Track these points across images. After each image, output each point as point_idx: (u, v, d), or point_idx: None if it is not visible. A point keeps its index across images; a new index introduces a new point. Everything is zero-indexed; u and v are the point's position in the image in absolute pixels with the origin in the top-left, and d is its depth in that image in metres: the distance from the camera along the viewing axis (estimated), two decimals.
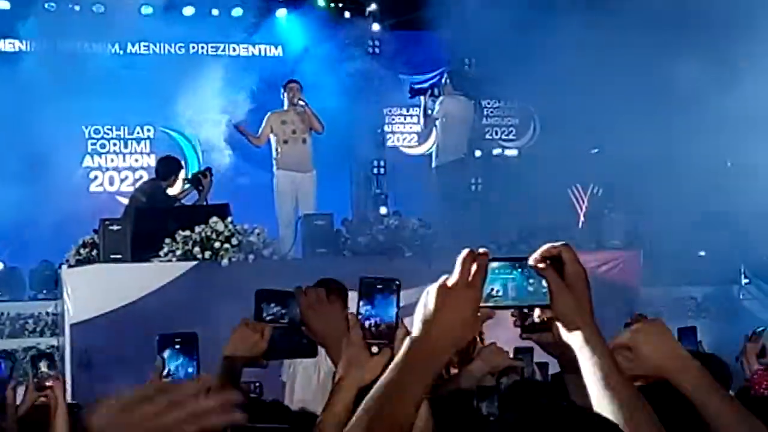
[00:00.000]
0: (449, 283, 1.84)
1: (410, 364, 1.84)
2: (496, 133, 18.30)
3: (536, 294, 1.88)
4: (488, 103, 18.09)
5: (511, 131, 18.52)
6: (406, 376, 1.83)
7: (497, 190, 16.59)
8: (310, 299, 2.82)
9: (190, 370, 2.55)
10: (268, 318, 2.93)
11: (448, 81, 11.78)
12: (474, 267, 1.84)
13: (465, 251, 1.87)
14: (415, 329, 1.86)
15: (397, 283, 2.19)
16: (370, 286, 2.17)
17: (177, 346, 2.51)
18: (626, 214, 11.98)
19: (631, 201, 15.62)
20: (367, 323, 2.16)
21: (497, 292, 1.88)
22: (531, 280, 1.89)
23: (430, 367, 1.85)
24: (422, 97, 11.89)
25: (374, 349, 2.15)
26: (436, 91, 11.73)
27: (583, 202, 17.35)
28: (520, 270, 1.89)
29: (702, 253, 15.48)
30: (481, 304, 1.85)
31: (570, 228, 10.32)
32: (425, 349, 1.84)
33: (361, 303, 2.17)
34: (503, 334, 2.26)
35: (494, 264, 1.88)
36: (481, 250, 1.87)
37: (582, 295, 1.87)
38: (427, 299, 1.85)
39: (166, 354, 2.60)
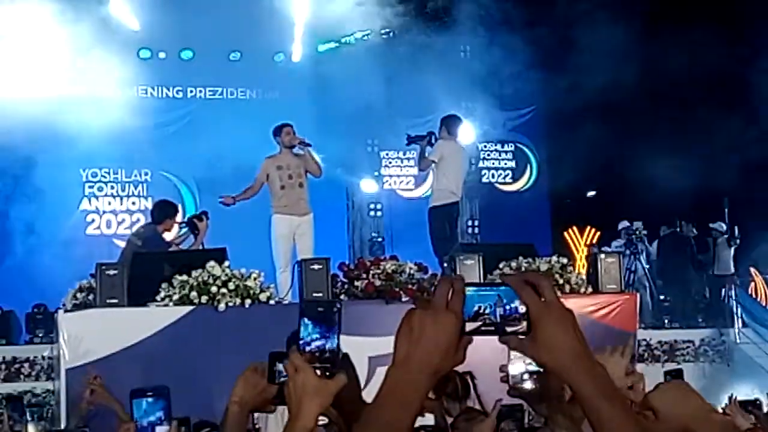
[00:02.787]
0: (428, 309, 1.84)
1: (392, 392, 1.82)
2: (493, 176, 18.38)
3: (518, 319, 1.87)
4: (485, 146, 18.20)
5: (508, 174, 18.60)
6: (390, 405, 1.82)
7: (494, 231, 16.70)
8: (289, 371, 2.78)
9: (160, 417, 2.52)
10: (281, 380, 2.90)
11: (442, 126, 11.86)
12: (451, 291, 1.84)
13: (440, 277, 1.88)
14: (395, 357, 1.84)
15: (338, 306, 2.15)
16: (311, 310, 2.14)
17: (150, 399, 2.49)
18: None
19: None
20: (308, 348, 2.11)
21: (485, 309, 1.87)
22: (511, 306, 1.87)
23: (412, 393, 1.82)
24: (419, 143, 11.94)
25: (318, 372, 2.10)
26: (433, 139, 11.79)
27: (580, 244, 17.44)
28: (498, 294, 1.88)
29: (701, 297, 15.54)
30: (468, 323, 1.84)
31: (565, 271, 10.28)
32: (406, 377, 1.82)
33: (302, 327, 2.12)
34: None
35: (472, 288, 1.87)
36: (455, 275, 1.87)
37: (560, 323, 1.84)
38: (407, 325, 1.84)
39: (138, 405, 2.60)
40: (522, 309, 1.85)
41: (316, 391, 2.09)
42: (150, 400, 2.62)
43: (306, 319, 2.09)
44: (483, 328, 1.86)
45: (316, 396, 2.09)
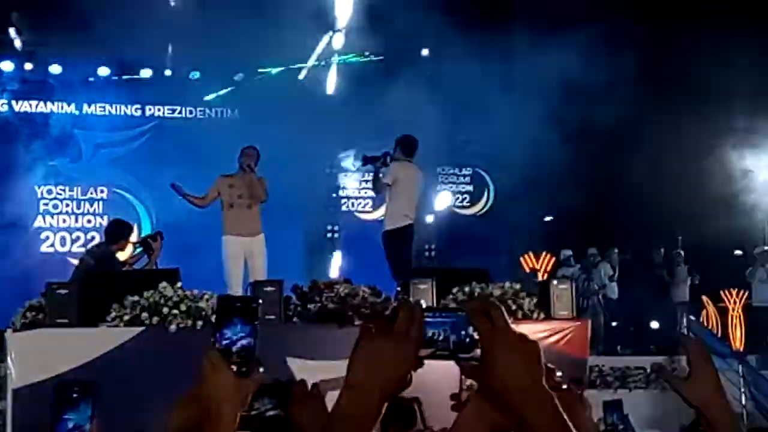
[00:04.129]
0: (389, 334, 1.85)
1: (346, 415, 1.83)
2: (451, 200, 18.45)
3: (471, 345, 1.88)
4: (443, 170, 18.29)
5: (466, 197, 18.69)
6: (343, 427, 1.83)
7: (449, 255, 16.77)
8: (297, 393, 2.75)
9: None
10: (254, 413, 2.82)
11: (398, 147, 11.81)
12: (411, 316, 1.85)
13: (400, 302, 1.89)
14: (349, 379, 1.84)
15: (255, 303, 2.08)
16: (227, 309, 2.07)
17: (75, 395, 2.26)
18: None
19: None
20: (225, 345, 2.02)
21: (438, 336, 1.88)
22: (465, 332, 1.88)
23: (366, 417, 1.83)
24: (375, 165, 11.90)
25: (235, 369, 2.01)
26: (388, 160, 11.72)
27: (536, 269, 17.53)
28: (455, 320, 1.89)
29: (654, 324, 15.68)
30: (422, 350, 1.86)
31: (518, 297, 10.32)
32: (361, 400, 1.83)
33: (219, 326, 2.04)
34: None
35: (429, 313, 1.89)
36: (417, 299, 1.88)
37: (511, 351, 1.85)
38: (366, 349, 1.85)
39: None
40: (476, 335, 1.86)
41: (236, 390, 2.02)
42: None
43: (221, 316, 2.03)
44: (438, 353, 1.88)
45: (236, 395, 2.02)
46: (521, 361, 1.83)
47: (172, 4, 15.11)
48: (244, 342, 2.00)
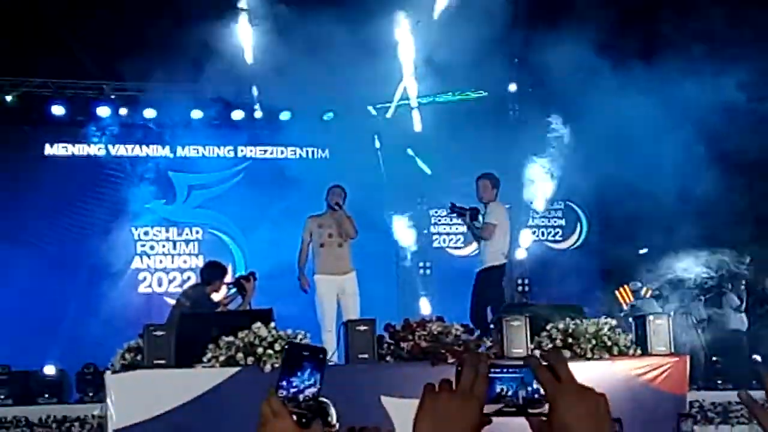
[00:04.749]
0: (450, 389, 1.83)
1: None
2: (543, 234, 18.31)
3: (541, 400, 1.86)
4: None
5: (558, 232, 18.52)
6: None
7: (543, 293, 16.59)
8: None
9: None
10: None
11: (493, 185, 11.75)
12: (476, 373, 1.83)
13: (466, 356, 1.87)
14: None
15: (323, 354, 2.06)
16: (295, 353, 2.05)
17: None
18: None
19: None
20: (289, 392, 2.00)
21: (506, 391, 1.86)
22: (533, 387, 1.86)
23: None
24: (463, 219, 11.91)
25: (295, 418, 1.99)
26: (479, 218, 11.69)
27: (629, 303, 17.22)
28: (522, 376, 1.87)
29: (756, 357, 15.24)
30: (489, 406, 1.84)
31: (614, 332, 10.14)
32: None
33: (285, 370, 2.02)
34: None
35: (497, 369, 1.87)
36: (482, 355, 1.87)
37: (576, 405, 1.82)
38: (431, 406, 1.84)
39: None
40: (542, 390, 1.84)
41: None
42: None
43: (289, 363, 2.02)
44: (505, 409, 1.86)
45: None
46: (588, 415, 1.80)
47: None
48: (309, 391, 1.99)
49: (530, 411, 1.85)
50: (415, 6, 15.09)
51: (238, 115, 16.85)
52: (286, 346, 2.07)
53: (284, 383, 1.98)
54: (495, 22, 13.73)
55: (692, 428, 9.68)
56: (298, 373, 1.99)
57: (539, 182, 16.30)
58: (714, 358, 14.28)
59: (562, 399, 1.81)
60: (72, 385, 12.53)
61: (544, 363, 1.84)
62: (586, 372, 9.18)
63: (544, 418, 1.83)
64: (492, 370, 1.86)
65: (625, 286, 17.52)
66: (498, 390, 1.86)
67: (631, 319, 12.02)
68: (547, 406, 1.83)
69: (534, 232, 18.04)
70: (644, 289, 16.01)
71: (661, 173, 14.66)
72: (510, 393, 1.86)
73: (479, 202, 11.80)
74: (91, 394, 12.07)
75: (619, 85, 14.09)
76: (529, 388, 1.86)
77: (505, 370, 1.88)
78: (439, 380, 1.86)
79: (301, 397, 1.98)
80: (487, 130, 15.87)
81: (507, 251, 11.81)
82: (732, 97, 13.98)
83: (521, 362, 1.88)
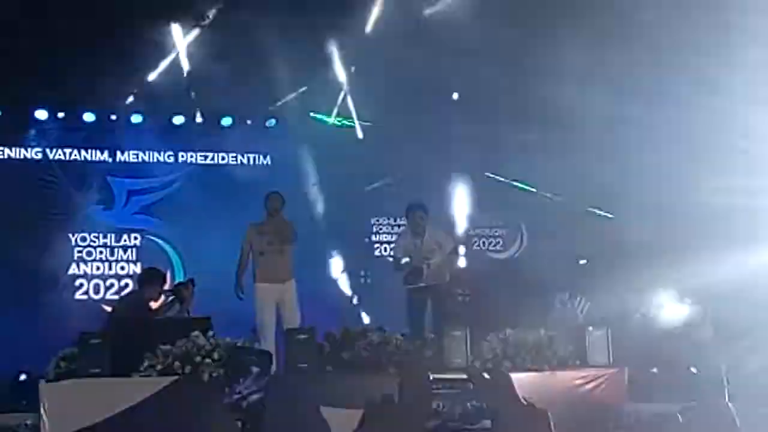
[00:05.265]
0: (392, 404, 1.81)
1: None
2: (483, 244, 18.38)
3: (478, 416, 1.84)
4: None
5: (499, 242, 18.60)
6: None
7: (483, 302, 16.62)
8: None
9: None
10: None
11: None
12: (418, 388, 1.81)
13: (407, 371, 1.84)
14: None
15: (269, 358, 2.02)
16: (240, 361, 2.00)
17: None
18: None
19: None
20: (234, 399, 1.96)
21: (443, 408, 1.85)
22: (471, 403, 1.85)
23: None
24: None
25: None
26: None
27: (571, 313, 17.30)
28: (460, 391, 1.85)
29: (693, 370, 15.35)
30: (429, 422, 1.82)
31: (554, 342, 10.18)
32: None
33: (230, 379, 1.97)
34: None
35: (435, 385, 1.85)
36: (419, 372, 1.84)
37: (524, 422, 1.80)
38: (368, 420, 1.81)
39: None
40: (483, 406, 1.83)
41: None
42: None
43: (234, 368, 1.97)
44: (448, 424, 1.84)
45: None
46: (533, 430, 1.80)
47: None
48: (254, 397, 1.95)
49: (469, 427, 1.84)
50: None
51: (178, 120, 16.72)
52: (231, 351, 2.02)
53: (229, 390, 1.94)
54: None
55: None
56: (241, 380, 1.95)
57: None
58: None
59: (506, 414, 1.80)
60: (5, 393, 12.29)
61: (487, 377, 1.83)
62: (526, 383, 9.19)
63: None
64: (434, 385, 1.84)
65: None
66: (435, 406, 1.84)
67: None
68: (486, 422, 1.82)
69: (474, 242, 18.13)
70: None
71: None
72: (447, 409, 1.85)
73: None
74: (24, 403, 11.84)
75: None
76: (468, 404, 1.84)
77: (444, 386, 1.86)
78: (381, 395, 1.83)
79: (244, 404, 1.95)
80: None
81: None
82: None
83: (463, 376, 1.85)
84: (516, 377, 8.89)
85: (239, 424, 1.77)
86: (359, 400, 8.55)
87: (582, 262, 18.08)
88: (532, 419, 1.64)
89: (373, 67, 15.31)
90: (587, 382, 9.89)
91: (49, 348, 9.99)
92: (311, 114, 17.15)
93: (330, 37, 15.37)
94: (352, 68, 15.96)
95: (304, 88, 16.15)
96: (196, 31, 14.58)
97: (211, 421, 8.34)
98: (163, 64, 14.77)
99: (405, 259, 11.95)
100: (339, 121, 17.18)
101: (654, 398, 13.49)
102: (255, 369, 1.79)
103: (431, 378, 1.70)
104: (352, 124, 17.17)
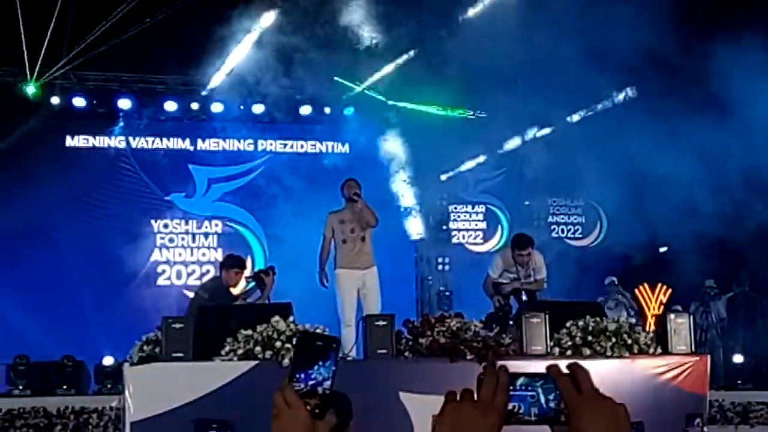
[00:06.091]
0: (471, 399, 1.81)
1: None
2: (563, 231, 18.23)
3: (558, 413, 1.83)
4: (554, 201, 18.09)
5: (578, 229, 18.43)
6: None
7: (561, 287, 16.50)
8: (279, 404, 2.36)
9: None
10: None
11: None
12: (496, 384, 1.80)
13: (486, 367, 1.83)
14: None
15: (336, 343, 2.02)
16: (308, 344, 2.01)
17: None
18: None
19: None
20: (302, 383, 1.97)
21: (518, 409, 1.83)
22: (552, 397, 1.83)
23: None
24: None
25: (308, 409, 1.96)
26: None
27: (651, 302, 17.13)
28: (542, 386, 1.84)
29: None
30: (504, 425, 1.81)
31: (634, 331, 10.04)
32: None
33: (297, 361, 1.98)
34: None
35: (516, 380, 1.84)
36: (502, 365, 1.82)
37: (597, 418, 1.79)
38: (452, 417, 1.81)
39: None
40: (562, 401, 1.81)
41: (306, 430, 1.94)
42: None
43: (303, 354, 1.98)
44: (525, 419, 1.83)
45: None
46: (608, 427, 1.77)
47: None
48: (325, 384, 1.96)
49: (551, 422, 1.83)
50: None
51: (258, 109, 16.85)
52: (297, 338, 2.03)
53: (300, 375, 1.95)
54: None
55: (702, 428, 9.58)
56: (312, 365, 1.96)
57: None
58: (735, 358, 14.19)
59: (583, 410, 1.78)
60: (90, 376, 12.55)
61: (566, 372, 1.82)
62: (606, 370, 9.12)
63: (563, 428, 1.81)
64: (515, 381, 1.83)
65: (645, 285, 17.44)
66: (514, 402, 1.82)
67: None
68: (564, 418, 1.81)
69: (554, 229, 18.00)
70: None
71: None
72: (527, 404, 1.83)
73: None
74: (109, 386, 12.10)
75: None
76: (547, 399, 1.83)
77: (519, 387, 1.84)
78: (461, 389, 1.83)
79: (316, 389, 1.95)
80: None
81: None
82: None
83: (542, 371, 1.84)
84: (595, 364, 8.85)
85: (309, 408, 1.78)
86: (438, 387, 8.59)
87: (662, 249, 17.88)
88: (612, 418, 1.62)
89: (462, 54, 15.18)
90: (669, 370, 9.76)
91: (132, 333, 10.17)
92: (389, 102, 17.11)
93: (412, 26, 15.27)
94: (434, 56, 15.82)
95: (381, 75, 16.09)
96: (274, 18, 14.57)
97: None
98: (243, 53, 14.82)
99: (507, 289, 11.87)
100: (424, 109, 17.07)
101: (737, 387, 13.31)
102: (322, 354, 1.80)
103: (510, 372, 1.68)
104: (439, 112, 17.07)
